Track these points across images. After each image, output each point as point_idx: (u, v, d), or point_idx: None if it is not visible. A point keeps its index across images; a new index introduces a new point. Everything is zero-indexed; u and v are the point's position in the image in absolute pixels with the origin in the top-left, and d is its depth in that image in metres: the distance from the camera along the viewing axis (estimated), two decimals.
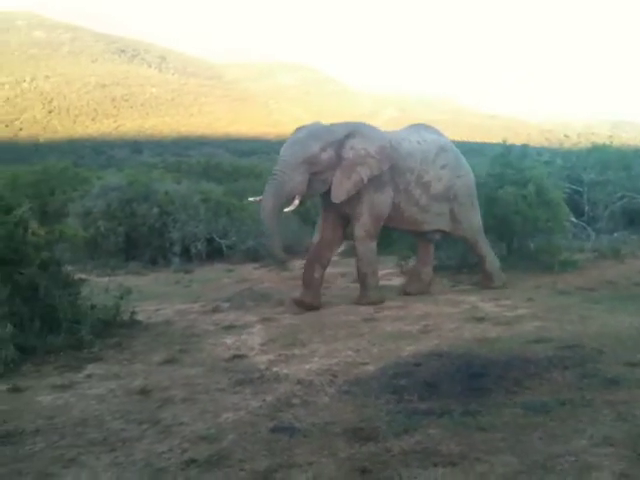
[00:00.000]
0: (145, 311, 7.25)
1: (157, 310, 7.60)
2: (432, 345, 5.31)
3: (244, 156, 46.11)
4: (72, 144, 71.46)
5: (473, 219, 8.38)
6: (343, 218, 7.69)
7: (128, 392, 4.46)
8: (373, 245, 7.61)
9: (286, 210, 7.14)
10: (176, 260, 12.36)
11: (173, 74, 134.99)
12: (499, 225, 9.61)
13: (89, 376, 4.90)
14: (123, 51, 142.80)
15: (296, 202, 7.09)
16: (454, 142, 8.78)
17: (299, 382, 4.51)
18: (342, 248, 10.96)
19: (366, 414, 3.81)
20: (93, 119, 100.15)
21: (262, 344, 5.77)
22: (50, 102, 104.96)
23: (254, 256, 12.52)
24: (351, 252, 9.42)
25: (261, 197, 7.17)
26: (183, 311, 7.52)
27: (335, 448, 3.33)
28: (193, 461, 3.24)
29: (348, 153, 7.32)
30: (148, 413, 4.01)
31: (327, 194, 7.37)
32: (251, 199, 7.71)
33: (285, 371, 4.81)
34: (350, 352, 5.29)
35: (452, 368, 4.58)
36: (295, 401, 4.12)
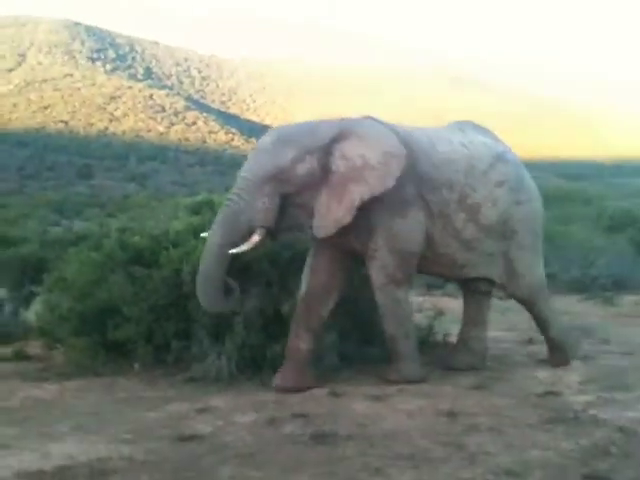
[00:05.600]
0: (456, 335, 7.27)
1: None
2: None
3: (572, 180, 43.70)
4: None
5: (535, 270, 5.84)
6: (345, 254, 5.33)
7: (436, 412, 4.52)
8: (401, 294, 5.33)
9: (235, 251, 4.83)
10: None
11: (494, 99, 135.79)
12: None
13: (401, 390, 5.09)
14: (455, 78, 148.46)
15: (256, 238, 4.84)
16: None
17: (620, 430, 4.06)
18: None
19: None
20: None
21: (580, 382, 5.34)
22: None
23: (578, 287, 11.65)
24: None
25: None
26: (497, 338, 7.35)
27: None
28: None
29: (337, 164, 4.99)
30: (454, 436, 4.02)
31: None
32: (204, 234, 5.26)
33: (604, 416, 4.37)
34: None
35: None
36: (613, 450, 3.72)
